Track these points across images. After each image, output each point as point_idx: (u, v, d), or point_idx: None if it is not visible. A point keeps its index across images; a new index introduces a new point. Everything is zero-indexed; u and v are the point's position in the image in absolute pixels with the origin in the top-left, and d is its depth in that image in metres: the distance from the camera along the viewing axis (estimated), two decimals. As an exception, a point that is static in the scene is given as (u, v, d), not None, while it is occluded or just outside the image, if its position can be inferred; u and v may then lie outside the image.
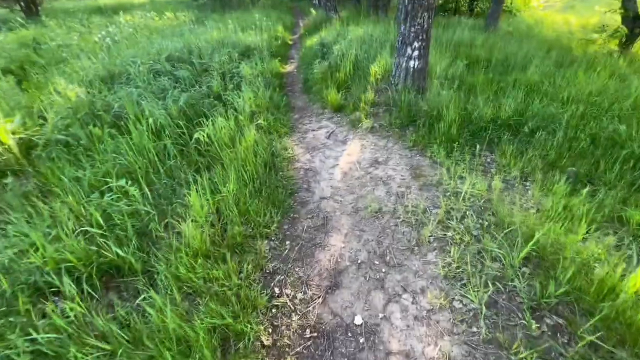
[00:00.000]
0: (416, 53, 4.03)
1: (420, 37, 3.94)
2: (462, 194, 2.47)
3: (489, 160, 3.05)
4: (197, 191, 2.23)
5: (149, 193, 2.31)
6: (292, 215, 2.53)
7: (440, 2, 13.02)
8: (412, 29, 3.90)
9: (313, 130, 4.03)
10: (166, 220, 2.12)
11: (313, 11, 13.18)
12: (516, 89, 4.06)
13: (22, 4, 14.59)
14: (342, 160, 3.28)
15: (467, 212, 2.29)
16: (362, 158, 3.27)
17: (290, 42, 10.27)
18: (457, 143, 3.11)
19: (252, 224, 2.30)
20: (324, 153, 3.44)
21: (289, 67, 7.25)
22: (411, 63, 4.10)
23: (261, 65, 5.65)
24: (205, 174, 2.64)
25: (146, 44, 5.95)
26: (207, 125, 3.10)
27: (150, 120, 2.92)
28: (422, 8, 3.78)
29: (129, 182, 2.23)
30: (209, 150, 3.02)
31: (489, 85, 4.29)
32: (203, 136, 2.98)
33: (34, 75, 4.93)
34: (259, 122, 3.67)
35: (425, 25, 3.88)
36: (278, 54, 7.71)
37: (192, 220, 2.10)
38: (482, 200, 2.42)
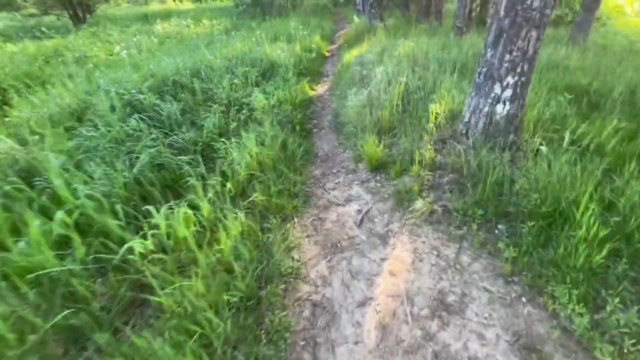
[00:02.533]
0: (508, 93, 2.54)
1: (519, 69, 2.45)
2: None
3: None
4: None
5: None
6: None
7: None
8: (507, 57, 2.42)
9: (338, 203, 2.68)
10: None
11: (355, 18, 11.88)
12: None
13: (70, 12, 14.91)
14: (380, 287, 1.89)
15: None
16: (416, 288, 1.86)
17: (327, 54, 9.04)
18: (612, 290, 1.59)
19: None
20: (349, 263, 2.08)
21: (321, 89, 5.98)
22: (499, 108, 2.61)
23: (282, 91, 4.43)
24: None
25: (147, 62, 4.99)
26: (160, 217, 1.88)
27: (59, 215, 1.76)
28: (529, 24, 2.29)
29: None
30: (156, 267, 1.79)
31: (625, 143, 2.64)
32: (145, 246, 1.76)
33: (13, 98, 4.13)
34: (253, 196, 2.40)
35: (531, 51, 2.39)
36: (310, 70, 6.49)
37: None
38: None
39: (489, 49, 2.51)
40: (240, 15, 16.80)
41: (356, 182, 2.94)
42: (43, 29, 9.21)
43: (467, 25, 7.51)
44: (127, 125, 2.85)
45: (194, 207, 2.18)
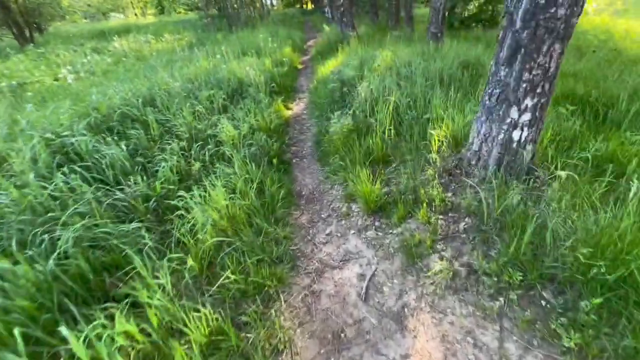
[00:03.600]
0: (527, 117, 2.12)
1: (539, 90, 2.03)
2: None
3: None
4: None
5: None
6: None
7: (473, 12, 11.05)
8: (526, 75, 1.99)
9: (333, 265, 2.14)
10: None
11: (326, 27, 11.49)
12: None
13: (14, 31, 13.57)
14: (408, 408, 1.35)
15: None
16: (457, 407, 1.34)
17: (299, 66, 8.56)
18: None
19: None
20: (361, 367, 1.53)
21: (297, 107, 5.46)
22: (516, 134, 2.18)
23: (254, 117, 3.87)
24: None
25: (93, 90, 4.24)
26: (80, 346, 1.26)
27: None
28: (552, 36, 1.87)
29: None
30: None
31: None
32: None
33: None
34: (223, 277, 1.81)
35: (552, 68, 1.97)
36: (283, 86, 5.96)
37: None
38: None
39: (503, 67, 2.08)
40: (205, 28, 16.09)
41: (352, 231, 2.41)
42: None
43: (441, 31, 7.28)
44: (52, 183, 2.17)
45: (140, 305, 1.57)
